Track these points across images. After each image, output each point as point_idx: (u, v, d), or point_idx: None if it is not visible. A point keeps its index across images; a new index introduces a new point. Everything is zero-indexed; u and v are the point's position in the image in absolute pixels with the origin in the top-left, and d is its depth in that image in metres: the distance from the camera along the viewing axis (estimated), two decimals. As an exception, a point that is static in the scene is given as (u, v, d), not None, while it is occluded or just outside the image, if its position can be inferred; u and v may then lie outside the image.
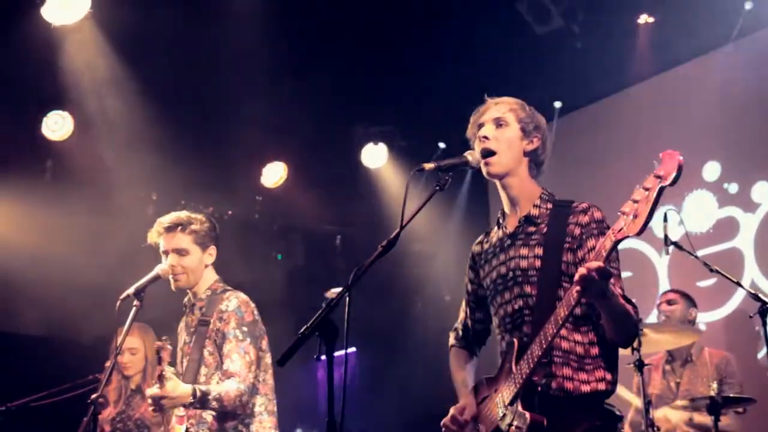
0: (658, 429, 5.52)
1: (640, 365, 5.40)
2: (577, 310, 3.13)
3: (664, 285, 7.35)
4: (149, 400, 4.22)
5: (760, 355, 6.59)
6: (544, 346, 3.09)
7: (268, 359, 4.58)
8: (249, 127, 7.62)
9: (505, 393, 3.22)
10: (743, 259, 6.97)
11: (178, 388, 4.20)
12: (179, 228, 4.64)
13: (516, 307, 3.36)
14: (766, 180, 6.91)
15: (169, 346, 4.24)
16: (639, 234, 2.81)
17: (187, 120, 7.47)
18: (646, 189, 2.80)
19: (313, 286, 8.09)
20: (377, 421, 9.17)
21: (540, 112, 3.58)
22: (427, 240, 8.74)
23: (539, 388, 3.16)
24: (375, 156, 8.58)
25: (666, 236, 5.53)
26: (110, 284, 4.55)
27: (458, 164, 3.43)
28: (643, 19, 7.36)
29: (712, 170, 7.23)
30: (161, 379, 4.16)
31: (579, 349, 3.25)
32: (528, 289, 3.34)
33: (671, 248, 5.65)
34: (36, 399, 5.35)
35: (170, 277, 4.59)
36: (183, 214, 4.74)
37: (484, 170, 3.46)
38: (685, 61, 7.53)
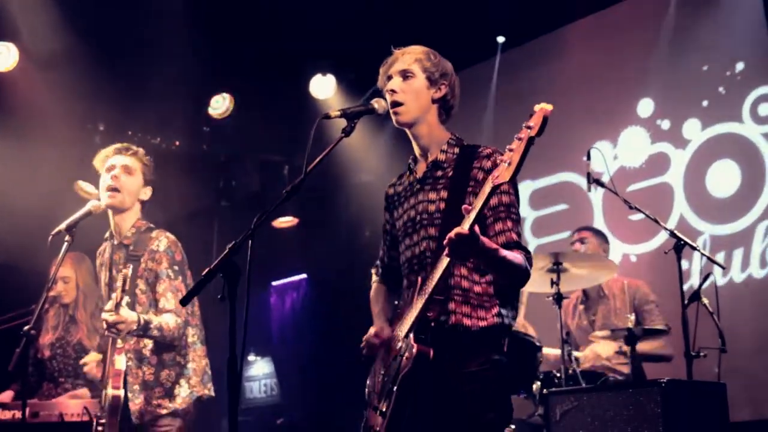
0: (577, 360, 5.75)
1: (558, 298, 5.62)
2: None
3: (598, 217, 7.56)
4: (104, 324, 4.35)
5: (686, 287, 6.80)
6: (434, 283, 3.29)
7: None
8: (196, 57, 7.65)
9: (404, 326, 3.43)
10: (673, 193, 7.15)
11: (130, 314, 4.38)
12: (132, 152, 4.80)
13: (421, 248, 3.53)
14: (696, 117, 7.06)
15: (126, 271, 4.38)
16: (512, 179, 3.02)
17: (131, 51, 7.50)
18: (519, 139, 2.99)
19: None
20: (328, 346, 9.44)
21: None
22: (373, 171, 8.89)
23: (432, 324, 3.34)
24: (323, 87, 8.61)
25: (588, 174, 5.68)
26: (64, 214, 4.67)
27: (364, 111, 3.55)
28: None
29: (645, 107, 7.38)
30: (118, 306, 4.31)
31: (477, 288, 3.41)
32: (432, 231, 3.49)
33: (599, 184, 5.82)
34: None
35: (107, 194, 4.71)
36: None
37: (393, 119, 3.60)
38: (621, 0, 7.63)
